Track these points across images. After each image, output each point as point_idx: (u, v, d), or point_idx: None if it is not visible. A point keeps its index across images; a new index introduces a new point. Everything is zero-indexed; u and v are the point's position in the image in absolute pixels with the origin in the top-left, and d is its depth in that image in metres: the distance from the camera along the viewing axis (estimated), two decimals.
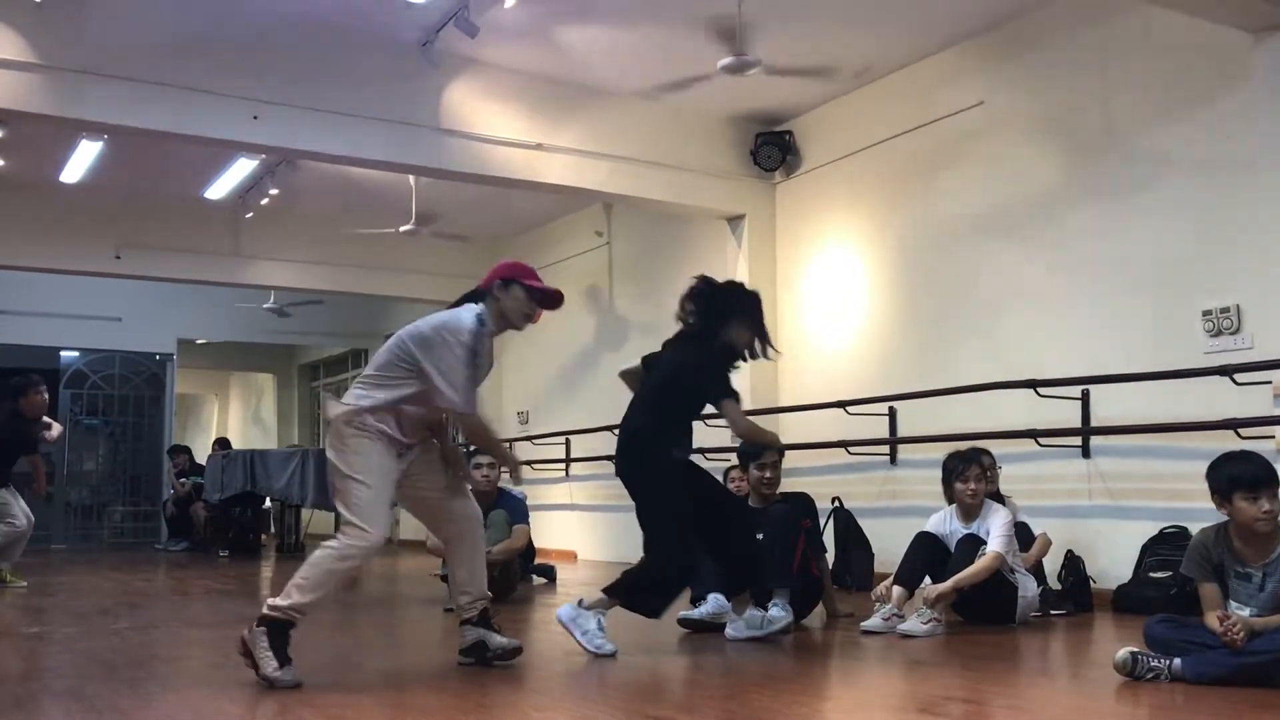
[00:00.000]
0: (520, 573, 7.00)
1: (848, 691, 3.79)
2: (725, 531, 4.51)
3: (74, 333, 13.40)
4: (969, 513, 5.14)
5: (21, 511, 7.39)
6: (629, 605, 4.41)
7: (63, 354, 13.76)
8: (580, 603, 4.33)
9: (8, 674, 4.01)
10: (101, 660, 4.20)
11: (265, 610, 3.57)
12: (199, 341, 15.63)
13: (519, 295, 3.96)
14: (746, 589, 4.73)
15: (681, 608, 5.04)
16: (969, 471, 5.13)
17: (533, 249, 11.31)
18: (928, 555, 5.10)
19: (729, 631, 4.75)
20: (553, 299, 4.05)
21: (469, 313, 3.85)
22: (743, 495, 5.57)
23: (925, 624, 4.74)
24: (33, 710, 3.26)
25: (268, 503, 12.43)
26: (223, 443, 13.97)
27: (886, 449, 7.47)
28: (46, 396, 7.61)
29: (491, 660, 3.92)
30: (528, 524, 6.80)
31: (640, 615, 4.43)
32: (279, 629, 3.56)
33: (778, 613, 4.65)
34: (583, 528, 10.50)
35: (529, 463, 11.05)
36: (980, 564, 4.90)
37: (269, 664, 3.50)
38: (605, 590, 4.38)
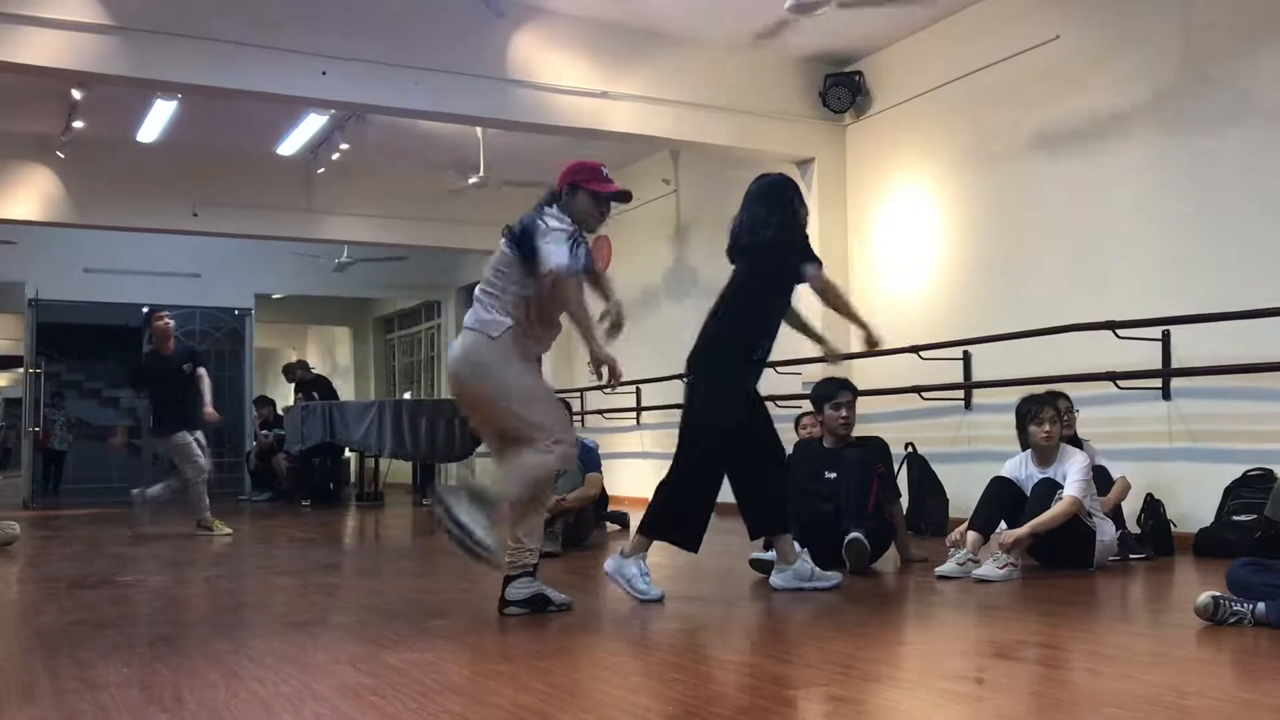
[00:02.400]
0: (594, 519, 7.11)
1: (923, 636, 3.79)
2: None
3: (156, 289, 13.70)
4: (1045, 456, 5.08)
5: (201, 454, 8.01)
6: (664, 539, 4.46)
7: (145, 310, 14.07)
8: (621, 553, 4.36)
9: (106, 620, 4.17)
10: (193, 607, 4.34)
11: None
12: (275, 296, 15.91)
13: (585, 201, 4.02)
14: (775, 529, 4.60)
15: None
16: (1043, 414, 5.07)
17: None
18: (1004, 500, 5.06)
19: (774, 580, 4.56)
20: (620, 197, 4.08)
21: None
22: (816, 438, 5.56)
23: (1001, 569, 4.71)
24: (130, 655, 3.39)
25: (347, 453, 12.71)
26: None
27: (961, 394, 7.39)
28: (170, 323, 8.15)
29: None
30: (601, 472, 6.89)
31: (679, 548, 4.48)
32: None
33: (830, 571, 4.55)
34: (655, 475, 10.50)
35: (600, 412, 11.14)
36: (1057, 508, 4.85)
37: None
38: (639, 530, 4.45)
